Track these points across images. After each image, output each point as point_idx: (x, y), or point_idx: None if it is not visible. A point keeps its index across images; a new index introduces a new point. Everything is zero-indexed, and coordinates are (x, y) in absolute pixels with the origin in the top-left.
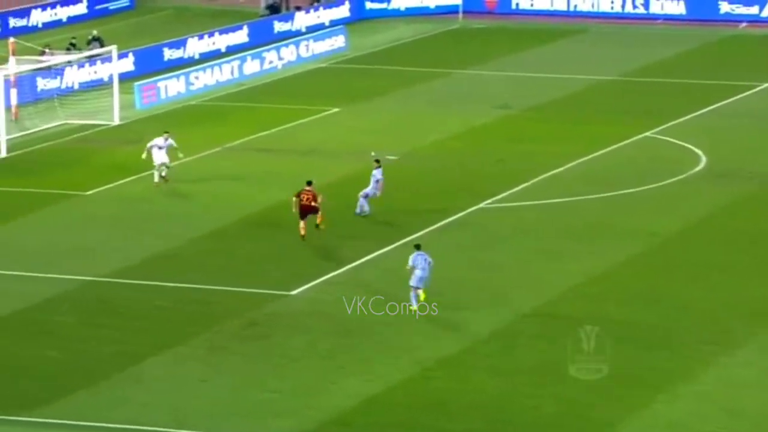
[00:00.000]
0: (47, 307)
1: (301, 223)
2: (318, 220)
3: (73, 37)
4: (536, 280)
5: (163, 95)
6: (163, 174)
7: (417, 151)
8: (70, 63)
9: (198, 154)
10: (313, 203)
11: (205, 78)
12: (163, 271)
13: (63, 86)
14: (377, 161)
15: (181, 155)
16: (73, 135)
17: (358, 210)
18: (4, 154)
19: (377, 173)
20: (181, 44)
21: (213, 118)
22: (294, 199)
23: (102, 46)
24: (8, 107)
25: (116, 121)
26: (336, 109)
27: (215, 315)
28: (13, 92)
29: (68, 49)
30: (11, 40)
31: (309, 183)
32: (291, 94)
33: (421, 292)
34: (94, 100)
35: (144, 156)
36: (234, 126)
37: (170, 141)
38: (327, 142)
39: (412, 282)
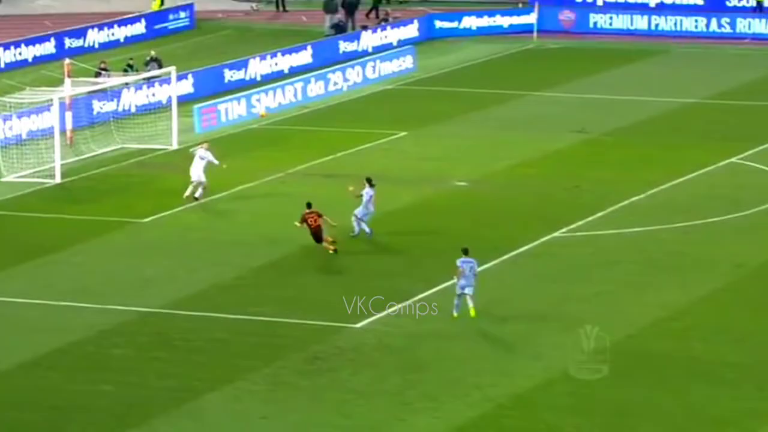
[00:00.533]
0: (102, 339)
1: (324, 245)
2: (328, 245)
3: (131, 58)
4: (615, 313)
5: (223, 118)
6: (197, 195)
7: (488, 177)
8: (127, 85)
9: (259, 180)
10: (322, 224)
11: (267, 100)
12: (223, 301)
13: (120, 109)
14: (371, 183)
15: (224, 166)
16: (130, 160)
17: (353, 233)
18: (58, 180)
19: (370, 191)
20: (242, 65)
21: (275, 143)
22: (298, 225)
23: (160, 67)
24: (63, 131)
25: (175, 146)
26: (403, 133)
27: (277, 348)
28: (69, 116)
29: (125, 71)
30: (67, 61)
31: (309, 205)
32: (356, 118)
33: (471, 306)
34: (151, 124)
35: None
36: (296, 151)
37: (209, 156)
38: (393, 168)
39: (457, 289)
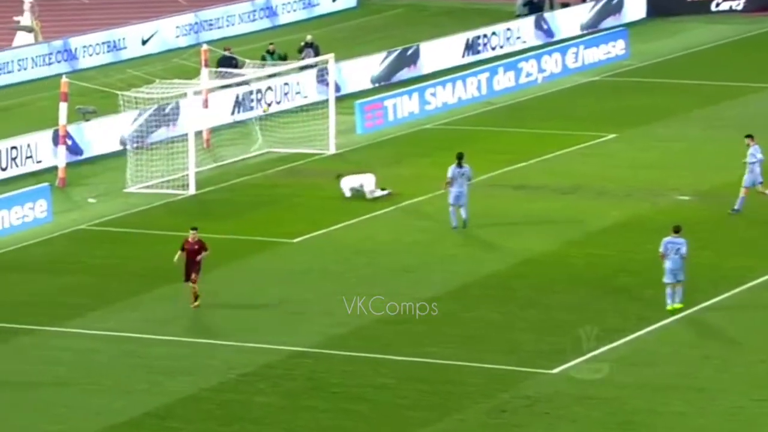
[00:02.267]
0: (243, 384)
1: (191, 285)
2: (193, 295)
3: (270, 43)
4: None
5: (390, 117)
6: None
7: (717, 190)
8: (276, 76)
9: (432, 192)
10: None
11: (444, 95)
12: (388, 340)
13: (266, 106)
14: (460, 161)
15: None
16: (278, 167)
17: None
18: (192, 191)
19: (460, 169)
20: (414, 52)
21: (452, 146)
22: (177, 254)
23: (317, 54)
24: (198, 133)
25: (332, 150)
26: (612, 135)
27: (454, 398)
28: (205, 114)
29: (263, 58)
30: (204, 47)
31: (194, 228)
32: (553, 116)
33: (678, 297)
34: (304, 123)
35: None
36: (479, 156)
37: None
38: (598, 178)
39: (665, 278)
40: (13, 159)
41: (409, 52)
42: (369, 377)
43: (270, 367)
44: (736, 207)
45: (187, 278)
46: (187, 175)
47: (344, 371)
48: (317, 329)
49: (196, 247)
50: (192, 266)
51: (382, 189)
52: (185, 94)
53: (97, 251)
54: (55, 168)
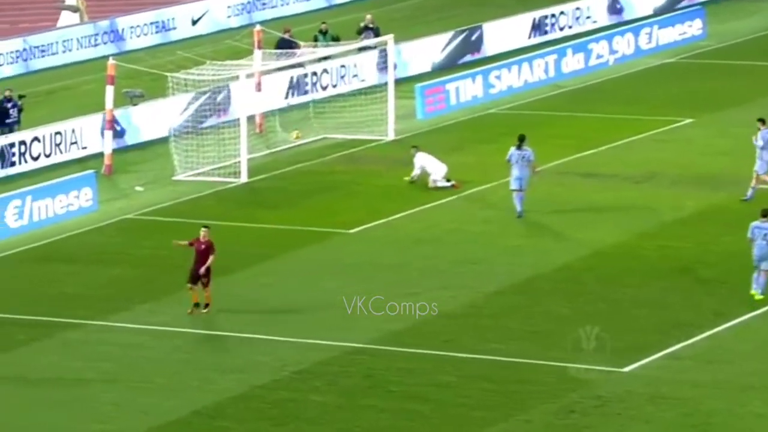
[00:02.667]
0: (297, 382)
1: (191, 291)
2: (205, 298)
3: (323, 22)
4: None
5: (453, 101)
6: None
7: None
8: (332, 58)
9: (497, 180)
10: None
11: (510, 78)
12: (449, 335)
13: (322, 89)
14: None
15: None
16: (334, 154)
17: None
18: (245, 179)
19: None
20: (477, 35)
21: (518, 131)
22: (182, 242)
23: (377, 35)
24: (250, 117)
25: (391, 136)
26: (688, 120)
27: (520, 397)
28: (258, 98)
29: (315, 39)
30: (257, 28)
31: (206, 227)
32: (625, 100)
33: (761, 287)
34: (361, 108)
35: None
36: (547, 142)
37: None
38: (672, 165)
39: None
40: (58, 145)
41: (472, 33)
42: (430, 375)
43: (325, 364)
44: (747, 196)
45: (194, 280)
46: (239, 162)
47: (403, 369)
48: (375, 324)
49: (204, 247)
50: (199, 267)
51: (447, 180)
52: (237, 77)
53: (144, 242)
54: (101, 155)
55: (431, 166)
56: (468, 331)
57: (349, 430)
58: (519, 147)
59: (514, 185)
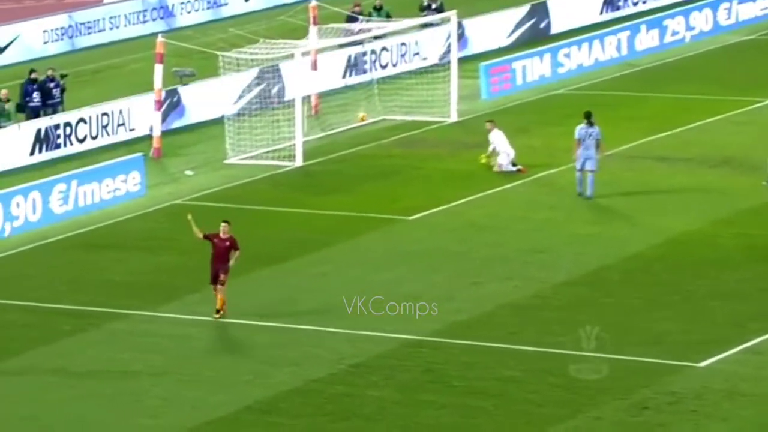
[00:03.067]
0: (354, 376)
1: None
2: (219, 302)
3: None
4: None
5: (519, 80)
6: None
7: None
8: (388, 36)
9: (566, 164)
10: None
11: (579, 57)
12: (514, 327)
13: (381, 68)
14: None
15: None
16: (393, 136)
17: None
18: (300, 162)
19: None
20: (543, 13)
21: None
22: (197, 229)
23: (440, 12)
24: (305, 98)
25: (454, 117)
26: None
27: (588, 393)
28: (314, 77)
29: (369, 14)
30: (313, 3)
31: (226, 222)
32: (702, 79)
33: None
34: (423, 88)
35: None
36: (618, 123)
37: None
38: (751, 149)
39: None
40: (104, 127)
41: (541, 8)
42: (493, 369)
43: (383, 357)
44: None
45: (215, 280)
46: (294, 144)
47: (465, 362)
48: (435, 316)
49: (227, 243)
50: (220, 266)
51: (514, 165)
52: (292, 56)
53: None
54: (150, 137)
55: (502, 146)
56: (533, 323)
57: (408, 427)
58: (588, 124)
59: (579, 165)
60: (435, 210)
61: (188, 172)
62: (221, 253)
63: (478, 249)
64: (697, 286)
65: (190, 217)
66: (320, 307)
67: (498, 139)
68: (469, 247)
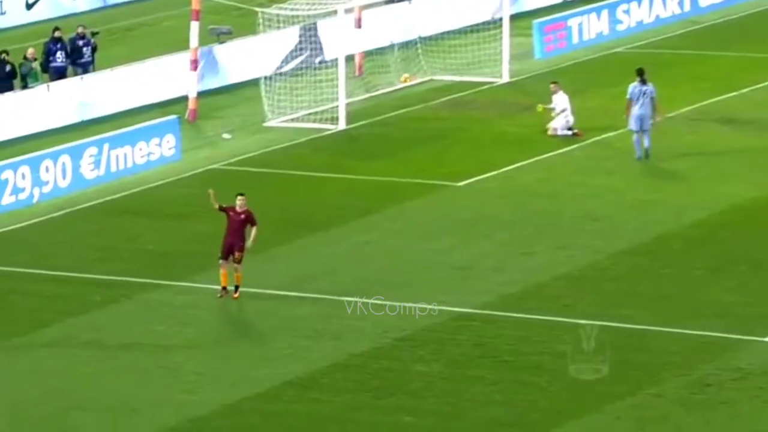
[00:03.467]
0: (399, 351)
1: (222, 269)
2: (236, 276)
3: None
4: None
5: (575, 39)
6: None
7: None
8: None
9: (624, 127)
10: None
11: (639, 13)
12: (569, 300)
13: (426, 27)
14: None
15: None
16: (441, 97)
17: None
18: (343, 126)
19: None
20: None
21: (650, 72)
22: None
23: None
24: (349, 57)
25: (505, 78)
26: None
27: (649, 368)
28: (357, 35)
29: None
30: None
31: (241, 194)
32: None
33: None
34: (472, 47)
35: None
36: (680, 84)
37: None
38: None
39: None
40: (137, 88)
41: None
42: (547, 344)
43: (431, 330)
44: None
45: (226, 255)
46: (336, 106)
47: (518, 336)
48: (486, 287)
49: (243, 217)
50: (235, 241)
51: (570, 129)
52: (335, 12)
53: (232, 194)
54: (185, 98)
55: (566, 110)
56: (589, 295)
57: (457, 404)
58: (641, 81)
59: (634, 125)
60: (485, 175)
61: (225, 136)
62: (236, 228)
63: (531, 217)
64: (765, 255)
65: (211, 191)
66: (363, 277)
67: (562, 103)
68: (520, 215)
